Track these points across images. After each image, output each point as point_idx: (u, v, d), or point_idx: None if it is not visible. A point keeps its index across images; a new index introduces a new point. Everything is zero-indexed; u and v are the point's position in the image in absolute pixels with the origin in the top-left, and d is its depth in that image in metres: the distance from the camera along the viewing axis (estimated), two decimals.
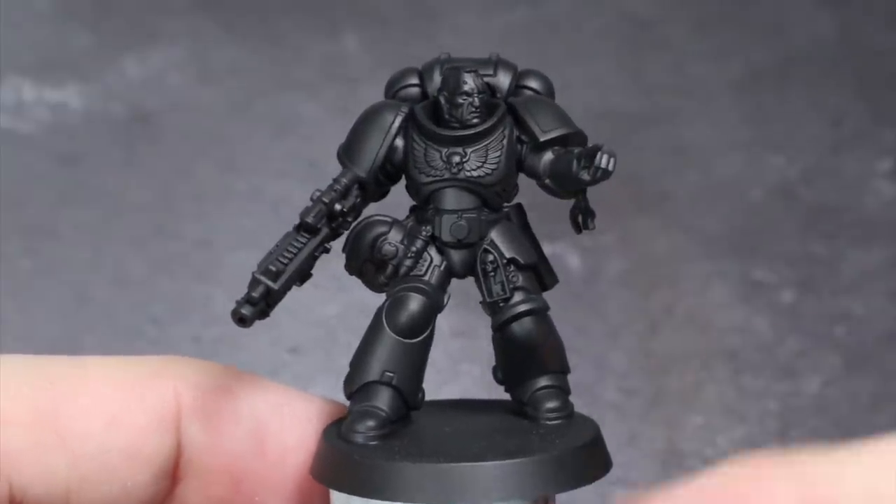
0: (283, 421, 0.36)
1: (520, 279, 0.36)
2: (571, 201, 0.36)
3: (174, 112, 1.01)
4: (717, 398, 0.81)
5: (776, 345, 0.84)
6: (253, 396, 0.36)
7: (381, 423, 0.34)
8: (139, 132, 1.00)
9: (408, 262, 0.36)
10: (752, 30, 1.09)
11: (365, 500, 0.33)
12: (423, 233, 0.36)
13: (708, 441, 0.79)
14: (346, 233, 0.36)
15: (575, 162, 0.35)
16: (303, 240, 0.35)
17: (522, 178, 0.36)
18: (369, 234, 0.36)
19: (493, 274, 0.35)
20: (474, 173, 0.35)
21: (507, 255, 0.36)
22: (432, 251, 0.36)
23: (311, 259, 0.35)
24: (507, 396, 0.36)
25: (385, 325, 0.35)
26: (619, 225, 0.92)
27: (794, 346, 0.84)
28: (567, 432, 0.34)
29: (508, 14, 1.11)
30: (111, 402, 0.35)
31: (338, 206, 0.35)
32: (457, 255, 0.36)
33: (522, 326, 0.35)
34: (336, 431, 0.35)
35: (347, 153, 0.36)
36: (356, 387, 0.35)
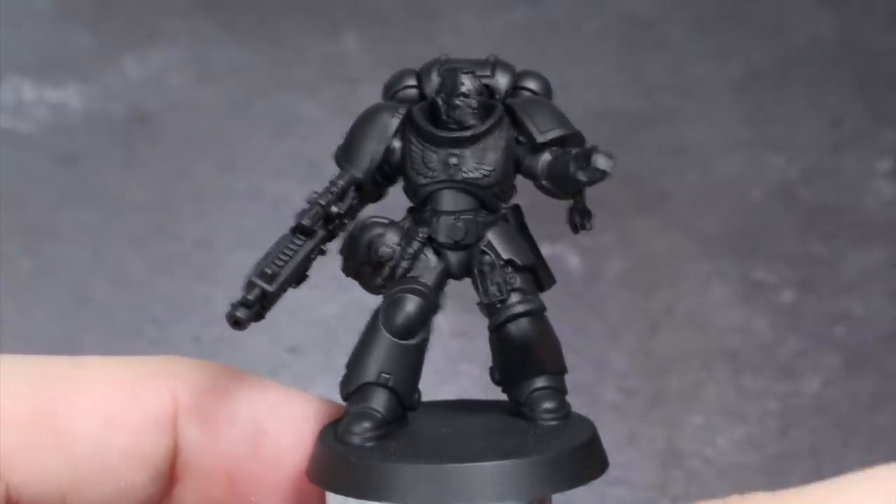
0: (281, 421, 0.36)
1: (517, 280, 0.35)
2: (571, 202, 0.36)
3: (174, 112, 1.01)
4: (717, 398, 0.81)
5: (776, 345, 0.84)
6: (251, 397, 0.36)
7: (378, 424, 0.34)
8: (139, 132, 1.00)
9: (404, 264, 0.35)
10: (752, 30, 1.09)
11: (361, 501, 0.33)
12: (420, 234, 0.36)
13: (708, 441, 0.79)
14: (343, 234, 0.36)
15: (572, 163, 0.34)
16: (299, 242, 0.34)
17: (521, 179, 0.36)
18: (366, 235, 0.35)
19: (489, 275, 0.35)
20: (472, 175, 0.35)
21: (505, 256, 0.35)
22: (429, 252, 0.36)
23: (307, 261, 0.35)
24: (504, 397, 0.36)
25: (381, 326, 0.35)
26: (619, 225, 0.92)
27: (794, 346, 0.84)
28: (563, 433, 0.34)
29: (508, 14, 1.11)
30: (109, 402, 0.35)
31: (334, 209, 0.35)
32: (454, 257, 0.36)
33: (519, 327, 0.35)
34: (332, 433, 0.35)
35: (345, 154, 0.36)
36: (352, 388, 0.35)
